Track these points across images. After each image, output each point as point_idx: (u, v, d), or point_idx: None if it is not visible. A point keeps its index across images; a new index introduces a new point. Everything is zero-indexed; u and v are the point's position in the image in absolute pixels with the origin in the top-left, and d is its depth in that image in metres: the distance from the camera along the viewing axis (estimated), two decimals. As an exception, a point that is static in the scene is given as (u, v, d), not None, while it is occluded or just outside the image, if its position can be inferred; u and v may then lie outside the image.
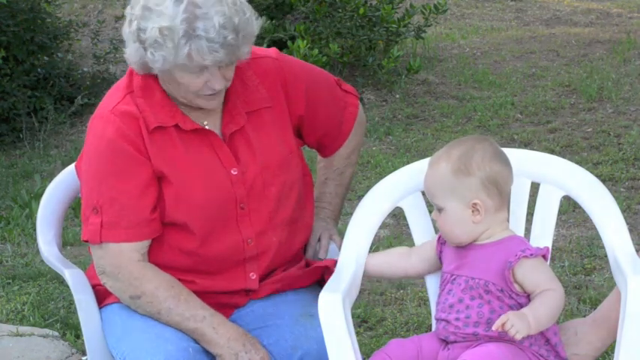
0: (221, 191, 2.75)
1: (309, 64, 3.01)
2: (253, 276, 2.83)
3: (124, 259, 2.71)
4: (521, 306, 2.57)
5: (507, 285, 2.56)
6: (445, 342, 2.65)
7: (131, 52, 2.68)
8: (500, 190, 2.63)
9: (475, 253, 2.63)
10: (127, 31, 2.67)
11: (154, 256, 2.76)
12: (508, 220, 2.71)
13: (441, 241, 2.74)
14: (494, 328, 2.49)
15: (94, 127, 2.76)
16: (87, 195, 2.74)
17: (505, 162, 2.65)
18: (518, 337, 2.48)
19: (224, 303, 2.82)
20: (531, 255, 2.56)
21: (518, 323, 2.48)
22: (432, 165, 2.67)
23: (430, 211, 2.87)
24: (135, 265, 2.71)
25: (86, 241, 2.80)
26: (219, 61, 2.61)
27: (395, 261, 2.81)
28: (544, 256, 2.60)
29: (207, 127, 2.77)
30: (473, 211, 2.61)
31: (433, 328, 2.78)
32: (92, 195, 2.72)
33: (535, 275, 2.56)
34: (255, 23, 2.67)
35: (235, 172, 2.77)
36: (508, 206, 2.72)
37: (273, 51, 2.90)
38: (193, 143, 2.75)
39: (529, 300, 2.57)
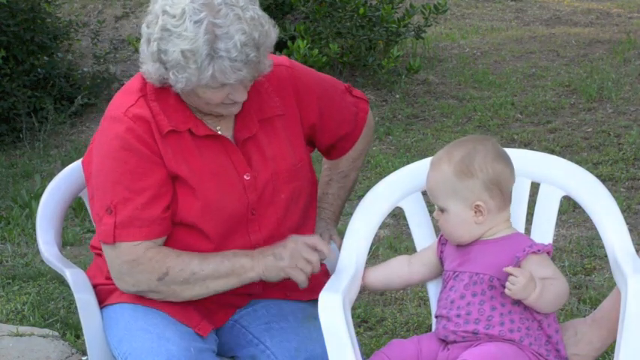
0: (234, 196, 2.75)
1: (319, 72, 3.01)
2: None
3: (139, 251, 2.68)
4: (523, 303, 2.57)
5: None
6: (444, 342, 2.65)
7: (151, 71, 2.66)
8: (502, 190, 2.63)
9: (479, 249, 2.63)
10: (146, 50, 2.66)
11: None
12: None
13: (442, 242, 2.74)
14: (504, 269, 2.51)
15: (106, 128, 2.75)
16: (100, 195, 2.73)
17: (507, 162, 2.66)
18: (510, 294, 2.50)
19: (225, 303, 2.82)
20: (538, 251, 2.57)
21: (521, 287, 2.49)
22: (433, 166, 2.67)
23: (430, 211, 2.87)
24: (151, 251, 2.69)
25: (92, 247, 2.81)
26: (242, 79, 2.61)
27: (396, 271, 2.81)
28: (548, 253, 2.61)
29: (220, 132, 2.77)
30: (475, 212, 2.62)
31: (433, 329, 2.78)
32: (106, 196, 2.71)
33: (541, 270, 2.56)
34: (273, 33, 2.67)
35: (248, 178, 2.77)
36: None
37: (284, 59, 2.90)
38: (207, 147, 2.75)
39: None
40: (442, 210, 2.65)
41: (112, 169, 2.70)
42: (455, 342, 2.62)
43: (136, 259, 2.69)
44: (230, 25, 2.57)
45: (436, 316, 2.70)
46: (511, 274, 2.50)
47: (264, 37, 2.63)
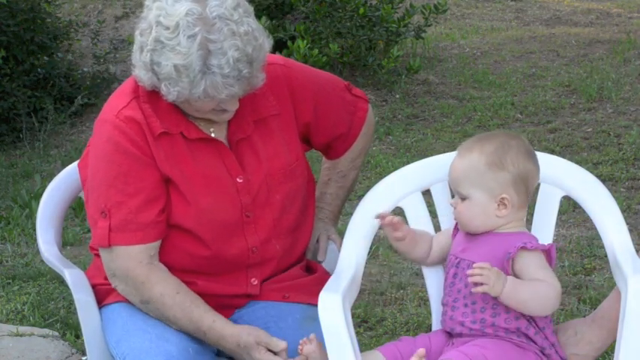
0: (227, 199, 2.75)
1: (317, 69, 3.00)
2: (255, 282, 2.83)
3: (131, 262, 2.70)
4: None
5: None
6: (450, 336, 2.64)
7: (143, 78, 2.66)
8: (527, 189, 2.64)
9: (484, 239, 2.63)
10: (139, 57, 2.64)
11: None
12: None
13: (457, 227, 2.73)
14: (468, 272, 2.49)
15: (99, 131, 2.75)
16: (95, 199, 2.73)
17: (536, 161, 2.67)
18: (477, 291, 2.48)
19: (224, 304, 2.82)
20: (531, 247, 2.56)
21: (491, 279, 2.47)
22: (462, 154, 2.66)
23: (430, 211, 2.87)
24: (142, 269, 2.70)
25: (91, 249, 2.81)
26: (233, 94, 2.61)
27: (424, 237, 2.79)
28: (548, 254, 2.60)
29: (213, 134, 2.76)
30: (499, 205, 2.61)
31: (433, 328, 2.78)
32: (100, 199, 2.71)
33: (532, 269, 2.55)
34: (267, 44, 2.66)
35: (241, 180, 2.76)
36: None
37: (279, 57, 2.89)
38: (200, 150, 2.75)
39: None
40: (464, 198, 2.64)
41: (106, 172, 2.70)
42: (460, 335, 2.61)
43: (127, 270, 2.71)
44: (224, 40, 2.56)
45: (443, 304, 2.68)
46: (475, 272, 2.48)
47: (258, 51, 2.62)
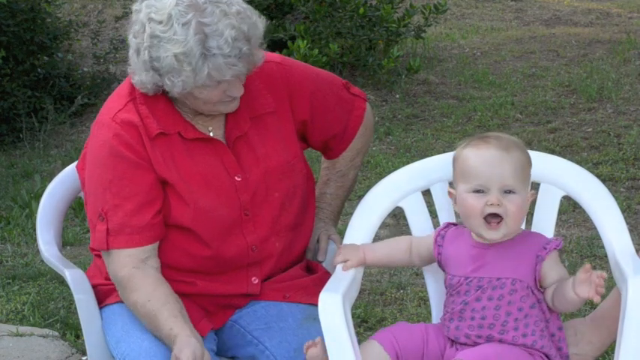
0: (226, 198, 2.75)
1: (315, 67, 2.99)
2: (255, 280, 2.83)
3: (116, 266, 2.71)
4: (541, 303, 2.57)
5: (535, 281, 2.56)
6: (453, 342, 2.63)
7: (145, 80, 2.66)
8: None
9: (495, 252, 2.60)
10: (137, 60, 2.65)
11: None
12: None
13: (439, 243, 2.70)
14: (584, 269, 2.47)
15: (95, 134, 2.76)
16: (92, 203, 2.74)
17: None
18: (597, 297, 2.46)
19: (224, 304, 2.82)
20: (557, 246, 2.58)
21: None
22: (506, 149, 2.61)
23: (430, 211, 2.86)
24: (124, 273, 2.71)
25: (92, 249, 2.81)
26: (238, 73, 2.62)
27: (396, 257, 2.79)
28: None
29: (211, 132, 2.76)
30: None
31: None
32: (97, 202, 2.72)
33: (557, 269, 2.59)
34: (260, 24, 2.68)
35: (239, 179, 2.76)
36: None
37: (276, 55, 2.90)
38: (197, 150, 2.75)
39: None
40: (509, 192, 2.57)
41: (102, 176, 2.71)
42: (465, 344, 2.60)
43: (115, 274, 2.72)
44: (218, 22, 2.58)
45: (447, 318, 2.66)
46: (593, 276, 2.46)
47: (254, 29, 2.63)
